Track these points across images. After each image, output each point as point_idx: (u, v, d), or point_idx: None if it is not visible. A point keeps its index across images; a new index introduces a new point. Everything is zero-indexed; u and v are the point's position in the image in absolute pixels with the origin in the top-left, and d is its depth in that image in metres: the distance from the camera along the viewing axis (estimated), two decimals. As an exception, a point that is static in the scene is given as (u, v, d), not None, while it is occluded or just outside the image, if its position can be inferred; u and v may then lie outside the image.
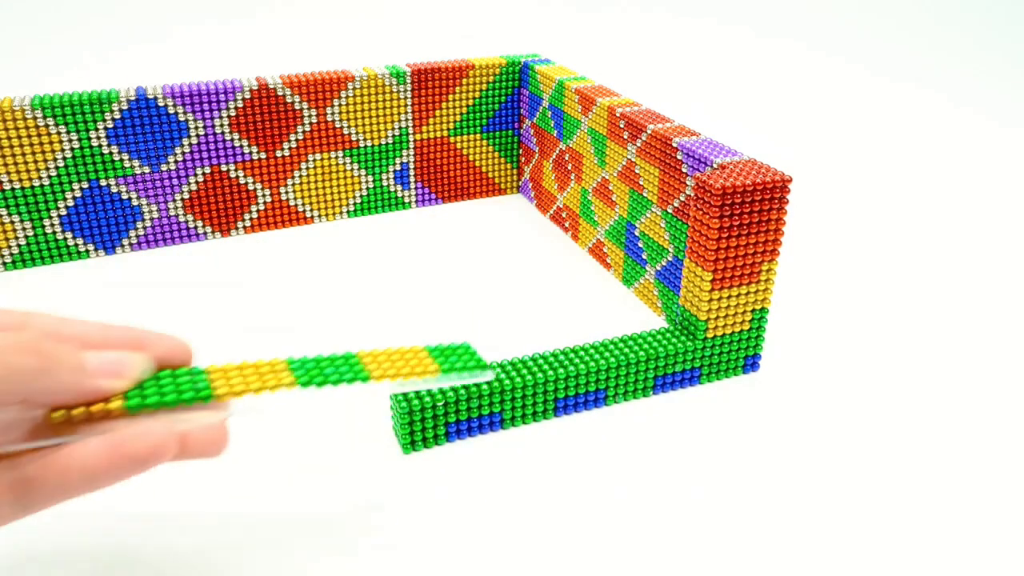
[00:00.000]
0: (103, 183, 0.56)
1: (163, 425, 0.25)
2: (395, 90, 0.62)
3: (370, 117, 0.62)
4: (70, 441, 0.24)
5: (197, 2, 1.20)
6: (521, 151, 0.68)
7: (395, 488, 0.36)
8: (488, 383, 0.38)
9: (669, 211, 0.48)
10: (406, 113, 0.63)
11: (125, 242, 0.59)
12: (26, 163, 0.54)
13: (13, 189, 0.54)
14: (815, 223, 0.65)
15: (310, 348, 0.32)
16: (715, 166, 0.42)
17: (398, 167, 0.65)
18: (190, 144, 0.58)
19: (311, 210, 0.63)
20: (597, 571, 0.32)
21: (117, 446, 0.24)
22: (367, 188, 0.65)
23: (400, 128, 0.64)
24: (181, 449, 0.26)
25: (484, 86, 0.65)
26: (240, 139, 0.59)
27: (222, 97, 0.57)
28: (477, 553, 0.32)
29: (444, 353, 0.32)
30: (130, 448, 0.24)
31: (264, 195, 0.61)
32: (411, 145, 0.65)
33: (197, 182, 0.59)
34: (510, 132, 0.68)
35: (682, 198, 0.46)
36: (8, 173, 0.54)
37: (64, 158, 0.55)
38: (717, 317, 0.42)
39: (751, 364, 0.45)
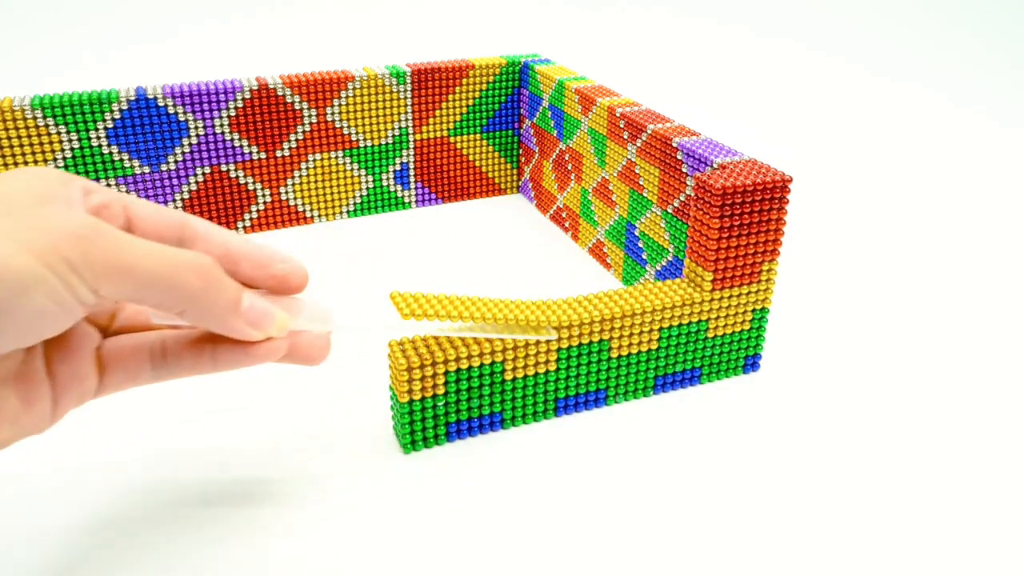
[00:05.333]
0: (103, 183, 0.56)
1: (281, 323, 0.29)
2: (395, 90, 0.62)
3: (370, 117, 0.62)
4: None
5: (197, 2, 1.20)
6: (521, 151, 0.68)
7: (395, 488, 0.36)
8: (489, 383, 0.38)
9: (669, 211, 0.48)
10: (406, 113, 0.63)
11: (125, 242, 0.58)
12: (26, 163, 0.54)
13: (13, 189, 0.54)
14: (815, 223, 0.65)
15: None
16: (715, 166, 0.42)
17: (398, 167, 0.65)
18: (190, 144, 0.58)
19: (311, 210, 0.63)
20: (597, 571, 0.32)
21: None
22: (367, 188, 0.65)
23: (400, 128, 0.64)
24: (289, 352, 0.29)
25: (484, 86, 0.65)
26: (240, 139, 0.59)
27: (222, 97, 0.57)
28: (477, 553, 0.32)
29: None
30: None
31: (264, 195, 0.61)
32: (411, 145, 0.65)
33: (197, 182, 0.59)
34: (510, 132, 0.68)
35: (682, 198, 0.46)
36: (8, 173, 0.54)
37: (64, 158, 0.55)
38: (717, 317, 0.42)
39: (751, 364, 0.45)
